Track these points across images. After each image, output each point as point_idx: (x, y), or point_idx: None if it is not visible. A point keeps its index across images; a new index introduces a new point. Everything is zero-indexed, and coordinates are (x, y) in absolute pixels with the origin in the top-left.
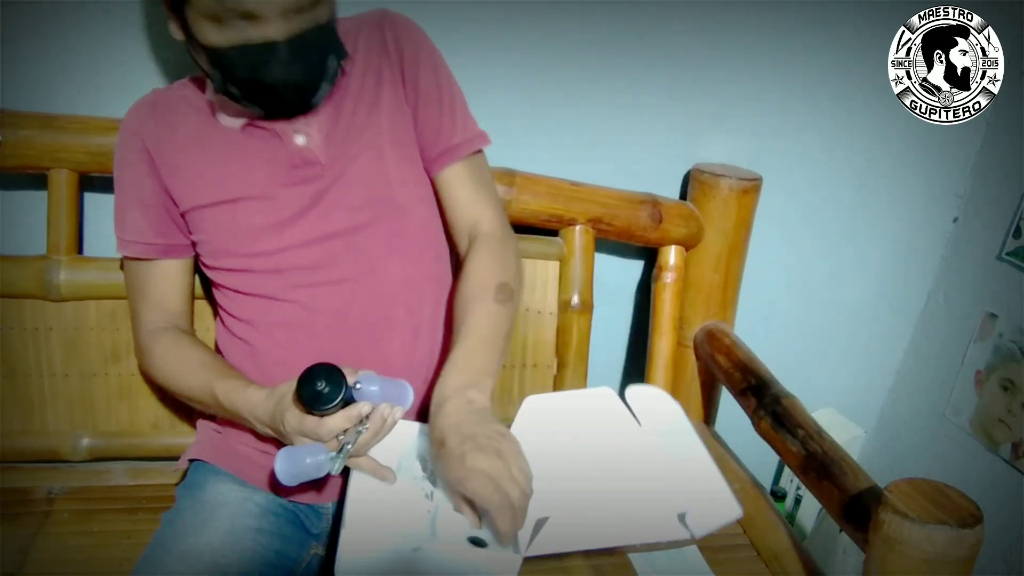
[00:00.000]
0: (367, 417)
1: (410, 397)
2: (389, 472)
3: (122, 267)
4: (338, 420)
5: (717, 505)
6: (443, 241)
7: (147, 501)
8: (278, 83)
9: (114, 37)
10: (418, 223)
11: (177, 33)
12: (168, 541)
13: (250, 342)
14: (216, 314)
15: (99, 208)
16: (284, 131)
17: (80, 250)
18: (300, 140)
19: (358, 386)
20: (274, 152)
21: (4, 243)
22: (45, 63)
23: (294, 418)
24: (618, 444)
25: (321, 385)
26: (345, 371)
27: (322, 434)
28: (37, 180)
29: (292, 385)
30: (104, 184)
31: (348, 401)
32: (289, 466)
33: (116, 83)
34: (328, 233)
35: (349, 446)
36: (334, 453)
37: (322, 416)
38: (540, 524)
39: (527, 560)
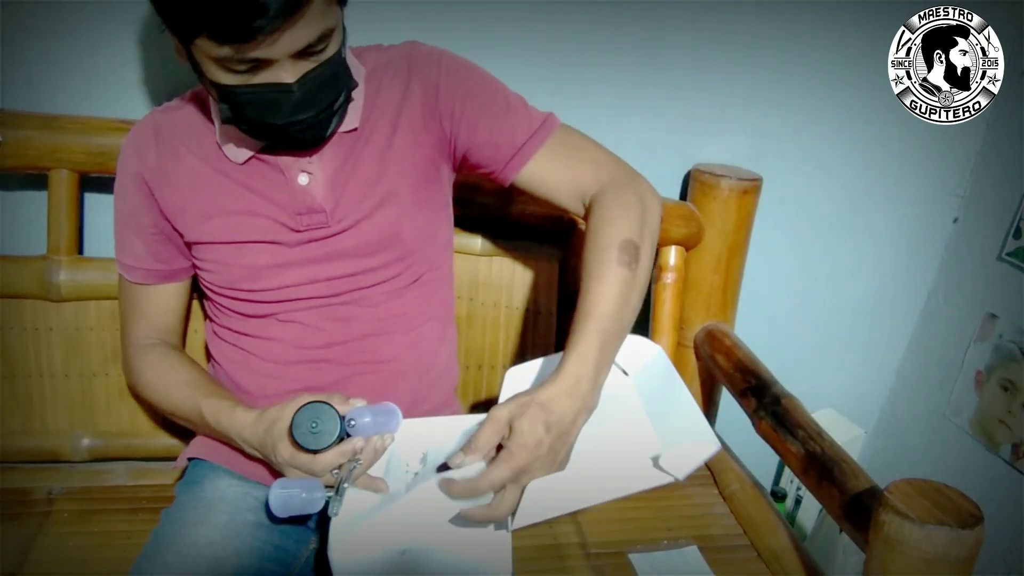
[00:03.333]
0: (360, 450)
1: (399, 420)
2: (382, 483)
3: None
4: (332, 456)
5: (695, 443)
6: (450, 268)
7: (147, 501)
8: (289, 123)
9: (114, 37)
10: (428, 259)
11: (182, 60)
12: (167, 536)
13: (246, 349)
14: (207, 317)
15: (99, 208)
16: (288, 167)
17: (80, 250)
18: (303, 180)
19: (352, 423)
20: (278, 192)
21: (4, 243)
22: (45, 63)
23: (286, 451)
24: (605, 400)
25: (316, 426)
26: (336, 401)
27: (316, 470)
28: (37, 180)
29: (282, 411)
30: (104, 184)
31: (342, 437)
32: (284, 499)
33: (116, 83)
34: (335, 275)
35: (346, 484)
36: (332, 493)
37: (316, 454)
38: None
39: (520, 549)
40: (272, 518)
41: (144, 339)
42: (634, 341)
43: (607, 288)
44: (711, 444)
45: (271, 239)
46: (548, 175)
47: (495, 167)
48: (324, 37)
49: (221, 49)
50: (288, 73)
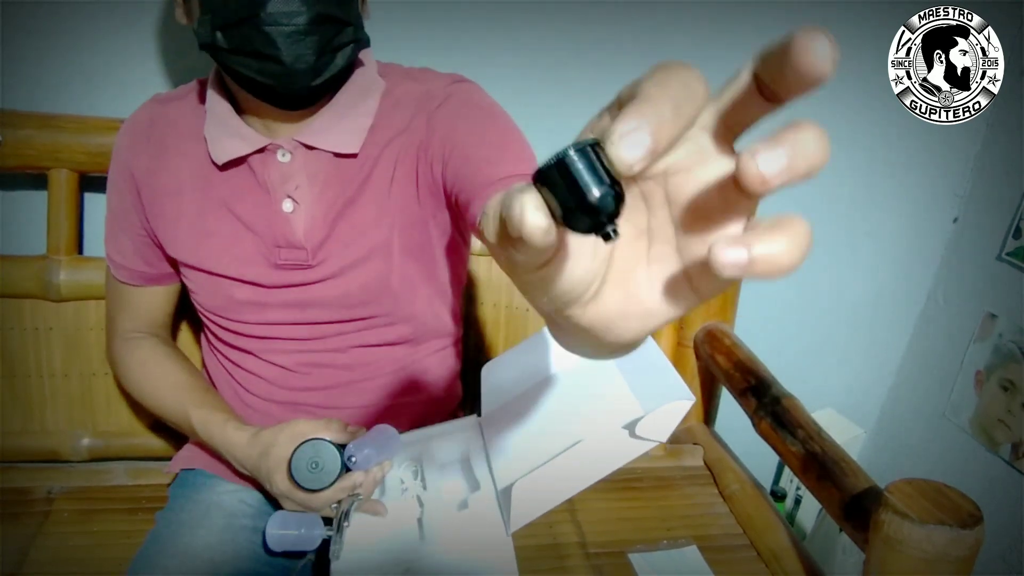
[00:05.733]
0: (360, 484)
1: (399, 443)
2: (381, 507)
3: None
4: (332, 493)
5: (672, 403)
6: (445, 312)
7: (146, 501)
8: (273, 24)
9: (114, 37)
10: (417, 311)
11: (181, 17)
12: (164, 539)
13: (233, 376)
14: (203, 326)
15: (99, 208)
16: (274, 188)
17: (80, 250)
18: (287, 207)
19: (352, 459)
20: (259, 217)
21: (4, 243)
22: (45, 63)
23: (283, 484)
24: (577, 374)
25: (316, 466)
26: (334, 431)
27: (315, 506)
28: (37, 180)
29: (277, 436)
30: (104, 184)
31: (342, 472)
32: (281, 534)
33: (116, 83)
34: (316, 320)
35: (346, 524)
36: (333, 532)
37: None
38: (508, 494)
39: (520, 549)
40: (268, 519)
41: (131, 332)
42: None
43: None
44: (687, 400)
45: (250, 279)
46: None
47: (468, 194)
48: None
49: None
50: None
